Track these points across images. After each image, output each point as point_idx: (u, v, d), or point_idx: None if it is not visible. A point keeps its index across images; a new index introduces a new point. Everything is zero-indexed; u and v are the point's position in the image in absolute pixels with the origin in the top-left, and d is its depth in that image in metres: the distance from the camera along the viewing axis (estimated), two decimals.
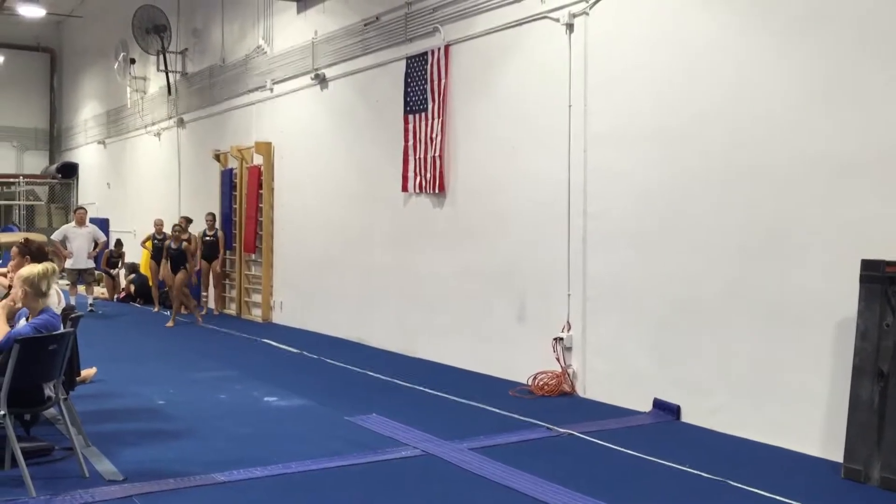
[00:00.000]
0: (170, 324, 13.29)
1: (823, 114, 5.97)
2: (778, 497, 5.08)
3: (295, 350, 10.75)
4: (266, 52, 13.83)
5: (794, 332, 6.14)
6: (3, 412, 4.97)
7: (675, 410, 7.02)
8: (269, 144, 13.87)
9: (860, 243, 5.66)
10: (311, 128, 12.69)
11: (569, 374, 8.09)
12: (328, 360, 9.94)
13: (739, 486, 5.29)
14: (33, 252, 6.57)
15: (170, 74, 17.22)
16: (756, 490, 5.21)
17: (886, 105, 5.61)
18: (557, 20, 8.18)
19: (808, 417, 6.01)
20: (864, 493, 5.25)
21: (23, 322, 5.31)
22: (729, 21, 6.66)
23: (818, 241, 6.00)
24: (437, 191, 9.81)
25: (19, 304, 5.40)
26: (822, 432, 5.92)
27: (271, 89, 13.65)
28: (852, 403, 5.54)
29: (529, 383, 8.16)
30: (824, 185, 5.97)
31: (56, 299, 5.81)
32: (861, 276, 5.53)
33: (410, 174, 10.19)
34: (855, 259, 5.59)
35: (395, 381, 8.72)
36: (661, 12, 7.20)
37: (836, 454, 5.66)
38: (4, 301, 5.29)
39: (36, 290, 5.25)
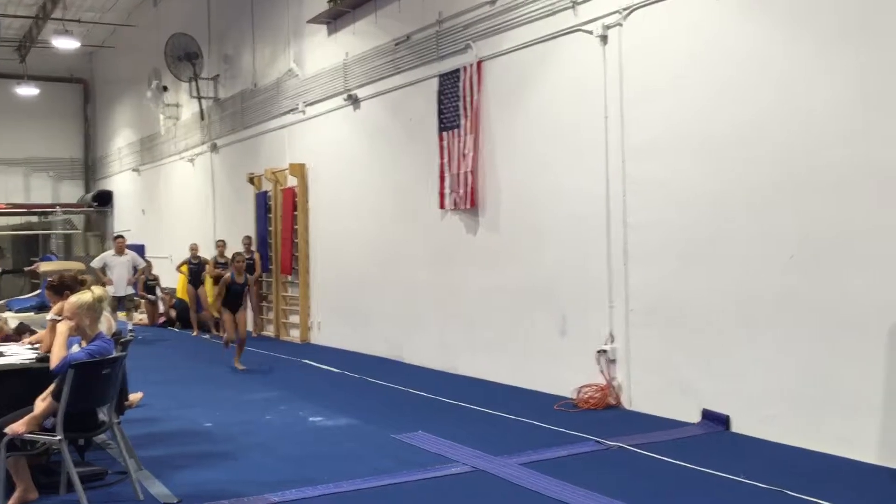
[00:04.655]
0: (240, 367, 11.13)
1: (871, 121, 5.89)
2: None
3: (336, 370, 10.77)
4: (297, 75, 13.96)
5: (848, 340, 6.05)
6: (59, 437, 5.03)
7: (724, 421, 6.94)
8: (302, 166, 13.97)
9: None
10: (345, 148, 12.77)
11: (613, 387, 8.03)
12: (370, 379, 9.95)
13: (798, 495, 5.21)
14: (69, 285, 6.40)
15: (202, 100, 17.44)
16: (816, 499, 5.12)
17: None
18: (591, 32, 8.18)
19: (865, 424, 5.91)
20: None
21: (76, 348, 5.37)
22: (770, 29, 6.60)
23: (871, 248, 5.90)
24: (469, 206, 9.83)
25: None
26: (879, 439, 5.82)
27: (304, 111, 13.77)
28: None
29: (574, 397, 8.11)
30: (874, 193, 5.88)
31: (107, 325, 5.86)
32: None
33: (447, 191, 10.22)
34: None
35: (439, 398, 8.70)
36: (699, 22, 7.17)
37: (895, 461, 5.56)
38: (67, 323, 5.33)
39: (91, 315, 5.31)
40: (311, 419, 7.88)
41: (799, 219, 6.40)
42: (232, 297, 11.22)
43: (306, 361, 11.59)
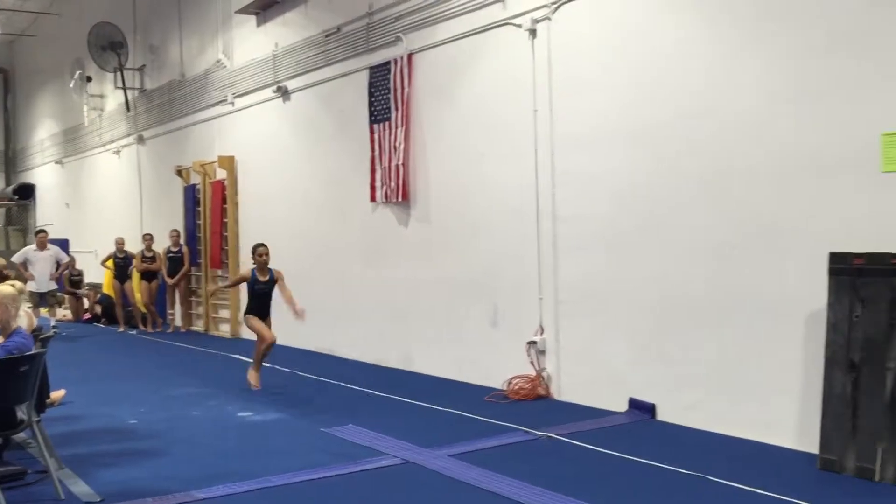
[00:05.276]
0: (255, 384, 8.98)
1: (793, 112, 6.05)
2: (756, 490, 5.14)
3: (266, 364, 10.61)
4: (226, 66, 13.74)
5: (766, 327, 6.22)
6: None
7: (650, 409, 7.07)
8: (231, 159, 13.77)
9: (830, 238, 5.74)
10: (276, 140, 12.63)
11: (543, 378, 8.12)
12: (301, 373, 9.88)
13: (718, 480, 5.35)
14: None
15: (128, 91, 17.05)
16: (734, 484, 5.26)
17: (851, 102, 5.72)
18: (520, 26, 8.23)
19: (783, 410, 6.09)
20: (840, 482, 5.33)
21: None
22: (696, 21, 6.72)
23: (788, 236, 6.08)
24: (400, 199, 9.82)
25: None
26: (797, 425, 6.01)
27: (233, 103, 13.57)
28: (825, 395, 5.62)
29: (504, 388, 8.17)
30: (793, 182, 6.05)
31: (27, 321, 5.70)
32: (830, 268, 5.63)
33: (378, 184, 10.19)
34: (825, 253, 5.68)
35: (370, 391, 8.68)
36: (626, 15, 7.27)
37: (812, 446, 5.74)
38: None
39: (15, 307, 5.17)
40: (239, 414, 7.79)
41: (719, 210, 6.55)
42: (257, 301, 8.93)
43: (236, 356, 11.44)
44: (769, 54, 6.20)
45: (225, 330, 14.06)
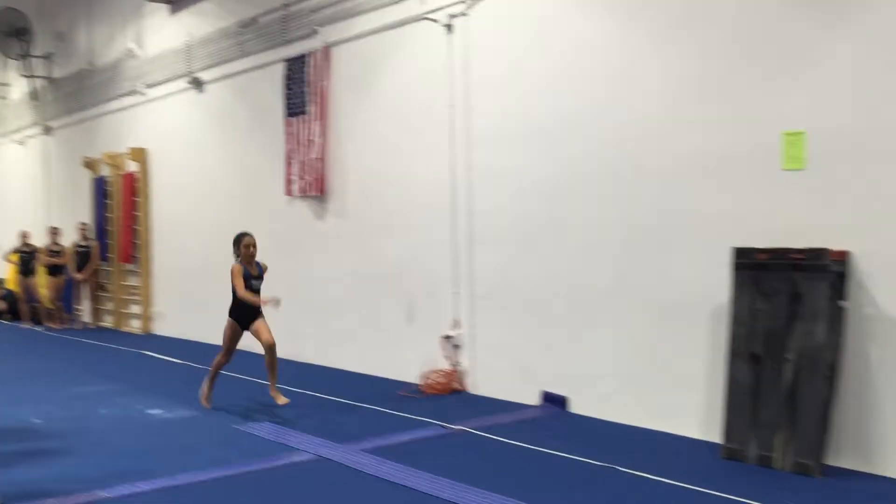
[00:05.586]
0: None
1: (697, 111, 6.22)
2: (663, 479, 5.27)
3: (178, 360, 10.45)
4: (138, 55, 13.39)
5: (673, 320, 6.39)
6: None
7: (562, 401, 7.18)
8: (143, 150, 13.43)
9: (732, 233, 5.93)
10: (189, 132, 12.37)
11: (458, 372, 8.16)
12: None
13: (626, 470, 5.46)
14: None
15: (34, 80, 16.46)
16: (642, 473, 5.38)
17: (753, 102, 5.90)
18: (436, 21, 8.25)
19: (689, 401, 6.26)
20: (742, 470, 5.50)
21: None
22: (606, 23, 6.85)
23: (693, 232, 6.25)
24: (318, 193, 9.74)
25: None
26: (701, 415, 6.18)
27: (144, 94, 13.23)
28: (729, 386, 5.80)
29: (420, 382, 8.19)
30: (698, 179, 6.22)
31: None
32: (733, 263, 5.81)
33: (294, 177, 10.08)
34: (728, 248, 5.86)
35: (286, 387, 8.55)
36: (540, 15, 7.36)
37: (716, 435, 5.93)
38: None
39: None
40: (148, 412, 7.62)
41: (629, 206, 6.69)
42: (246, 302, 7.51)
43: (147, 353, 11.18)
44: (676, 55, 6.36)
45: (136, 326, 13.72)
